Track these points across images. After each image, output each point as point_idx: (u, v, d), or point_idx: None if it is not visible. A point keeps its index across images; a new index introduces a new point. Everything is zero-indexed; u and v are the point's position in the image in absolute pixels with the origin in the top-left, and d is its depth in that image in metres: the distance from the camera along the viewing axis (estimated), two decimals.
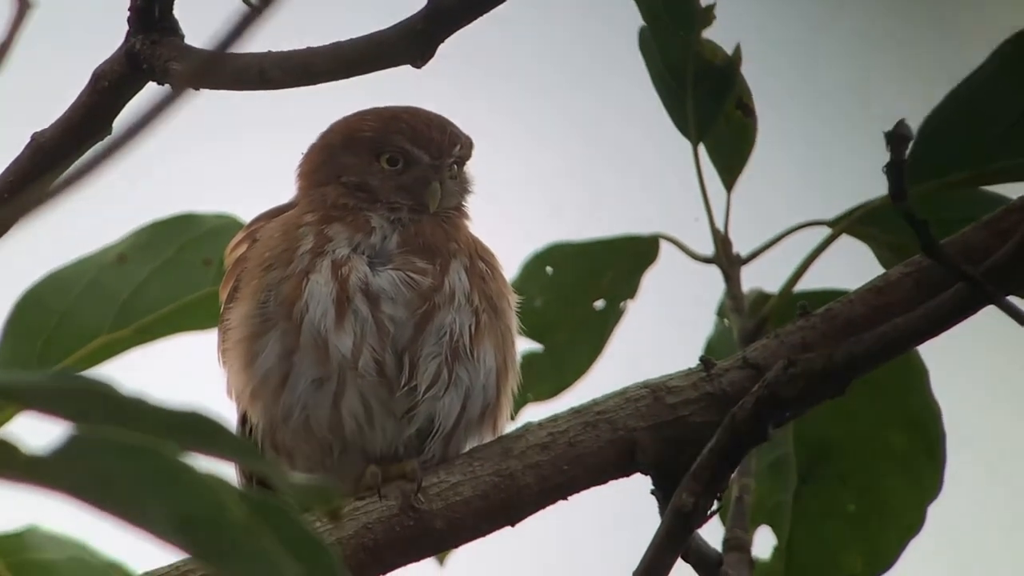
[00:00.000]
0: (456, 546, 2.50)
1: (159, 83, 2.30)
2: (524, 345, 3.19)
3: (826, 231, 3.11)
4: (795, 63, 3.62)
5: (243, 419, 2.55)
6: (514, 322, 2.61)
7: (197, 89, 2.14)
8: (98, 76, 2.32)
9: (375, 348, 2.48)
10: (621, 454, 2.44)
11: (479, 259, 2.59)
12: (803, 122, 3.57)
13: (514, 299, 2.62)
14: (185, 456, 1.25)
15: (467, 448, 2.52)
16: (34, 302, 2.85)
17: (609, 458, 2.45)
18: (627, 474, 2.47)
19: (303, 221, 2.56)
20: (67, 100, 2.32)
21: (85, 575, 2.82)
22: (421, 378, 2.49)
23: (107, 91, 2.31)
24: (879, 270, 2.67)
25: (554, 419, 2.48)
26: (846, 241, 3.10)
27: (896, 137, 1.77)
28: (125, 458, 1.24)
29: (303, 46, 2.22)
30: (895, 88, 3.63)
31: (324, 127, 2.67)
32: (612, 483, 2.48)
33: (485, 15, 2.15)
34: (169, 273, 2.89)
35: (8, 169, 2.31)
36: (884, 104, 3.49)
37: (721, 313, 3.20)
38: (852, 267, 3.12)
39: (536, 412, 3.21)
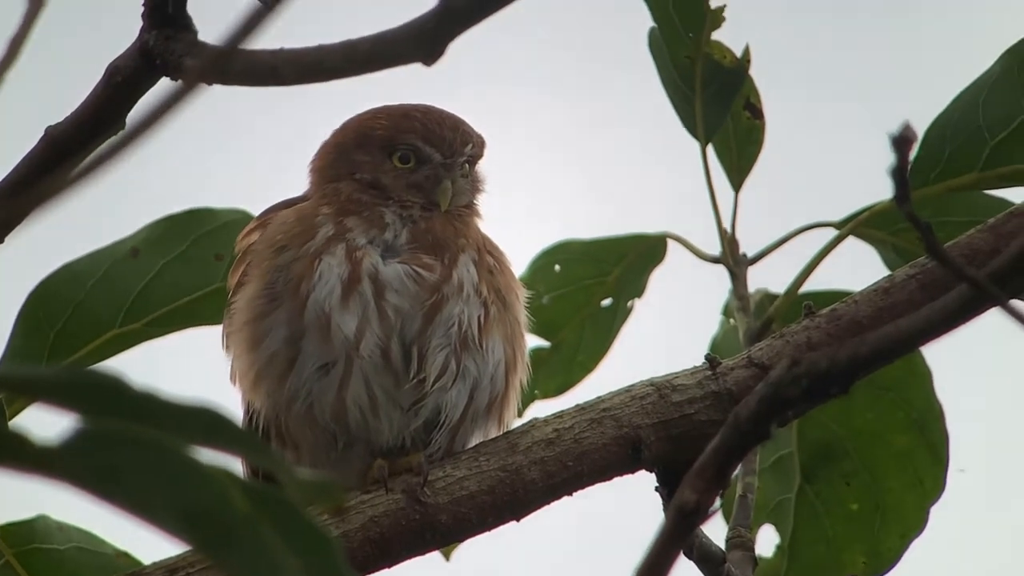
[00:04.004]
0: (462, 540, 2.51)
1: (172, 79, 2.31)
2: (532, 342, 3.20)
3: (833, 232, 3.12)
4: (803, 65, 3.63)
5: (247, 407, 2.55)
6: (523, 316, 2.61)
7: (209, 85, 2.16)
8: (112, 71, 2.32)
9: (379, 335, 2.48)
10: (626, 451, 2.46)
11: (487, 254, 2.60)
12: (811, 124, 3.58)
13: (523, 293, 2.63)
14: (191, 450, 1.27)
15: (473, 441, 2.53)
16: (47, 294, 2.86)
17: (614, 455, 2.46)
18: (632, 471, 2.48)
19: (319, 212, 2.58)
20: (81, 94, 2.33)
21: (92, 564, 2.83)
22: (429, 369, 2.49)
23: (121, 86, 2.32)
24: (885, 272, 2.68)
25: (560, 415, 2.49)
26: (852, 243, 3.11)
27: (900, 140, 1.78)
28: (132, 451, 1.25)
29: (315, 43, 2.22)
30: (902, 90, 3.64)
31: (337, 123, 2.68)
32: (617, 480, 2.49)
33: (495, 15, 2.16)
34: (181, 267, 2.90)
35: (22, 162, 2.32)
36: (891, 106, 3.49)
37: (727, 312, 3.21)
38: (858, 269, 3.13)
39: (542, 409, 3.23)
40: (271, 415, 2.52)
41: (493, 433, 2.55)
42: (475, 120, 2.64)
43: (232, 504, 1.26)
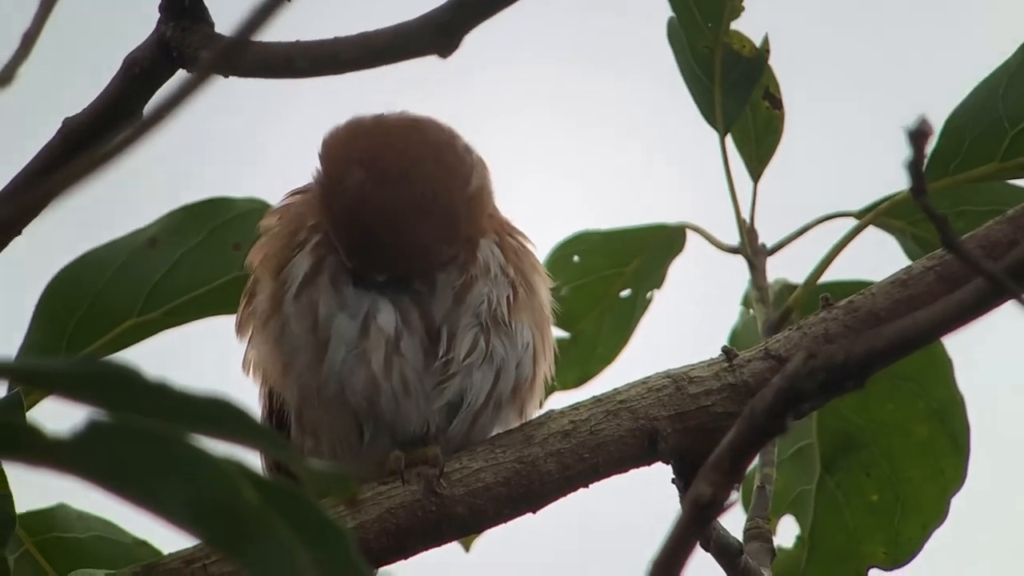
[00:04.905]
0: (478, 532, 2.51)
1: (189, 71, 2.31)
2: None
3: (852, 222, 3.11)
4: (823, 54, 3.63)
5: (268, 394, 2.52)
6: (548, 301, 2.57)
7: (226, 76, 2.17)
8: (130, 63, 2.33)
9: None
10: (642, 443, 2.46)
11: (508, 236, 2.55)
12: (830, 113, 3.57)
13: (547, 279, 2.58)
14: (202, 443, 1.27)
15: (494, 429, 2.51)
16: (65, 284, 2.87)
17: (630, 447, 2.46)
18: (648, 463, 2.48)
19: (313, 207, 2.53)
20: (99, 86, 2.34)
21: (112, 553, 2.84)
22: (459, 348, 2.45)
23: (139, 78, 2.33)
24: (905, 262, 2.68)
25: (576, 407, 2.49)
26: (872, 233, 3.11)
27: (916, 134, 1.77)
28: (143, 444, 1.26)
29: (330, 35, 2.22)
30: (922, 80, 3.63)
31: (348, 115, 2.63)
32: (633, 472, 2.49)
33: (511, 6, 2.15)
34: (199, 256, 2.90)
35: (40, 154, 2.34)
36: (911, 95, 3.48)
37: (746, 303, 3.21)
38: (878, 259, 3.12)
39: (561, 400, 3.23)
40: (297, 400, 2.48)
41: (513, 425, 2.53)
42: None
43: (243, 497, 1.26)
